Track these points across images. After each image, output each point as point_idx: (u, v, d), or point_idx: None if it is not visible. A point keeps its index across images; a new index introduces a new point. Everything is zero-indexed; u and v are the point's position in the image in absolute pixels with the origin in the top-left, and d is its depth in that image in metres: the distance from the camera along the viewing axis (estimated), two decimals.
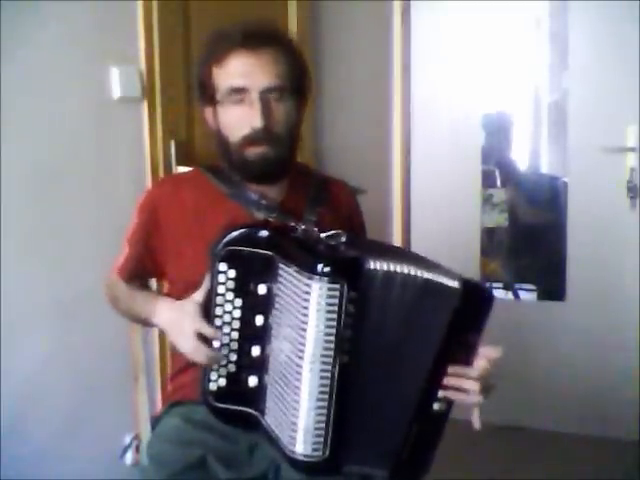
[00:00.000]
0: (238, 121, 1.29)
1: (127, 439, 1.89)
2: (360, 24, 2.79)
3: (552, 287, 2.93)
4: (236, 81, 1.27)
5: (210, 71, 1.31)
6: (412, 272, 1.08)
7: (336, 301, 1.05)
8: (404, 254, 1.21)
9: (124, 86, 1.88)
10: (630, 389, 2.64)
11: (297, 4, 2.41)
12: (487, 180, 2.98)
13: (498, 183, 3.01)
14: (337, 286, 1.05)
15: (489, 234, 3.00)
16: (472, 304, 1.09)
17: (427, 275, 1.09)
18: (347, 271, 1.07)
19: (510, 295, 3.04)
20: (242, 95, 1.27)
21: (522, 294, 3.06)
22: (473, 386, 1.12)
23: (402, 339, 1.10)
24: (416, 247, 2.95)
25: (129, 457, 1.87)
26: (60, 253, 1.78)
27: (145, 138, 1.95)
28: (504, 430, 2.67)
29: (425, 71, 2.98)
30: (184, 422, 1.30)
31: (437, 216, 3.00)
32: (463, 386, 1.12)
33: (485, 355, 1.13)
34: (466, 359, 1.12)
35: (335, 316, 1.06)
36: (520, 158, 3.09)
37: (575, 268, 2.80)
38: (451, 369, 1.11)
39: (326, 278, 1.05)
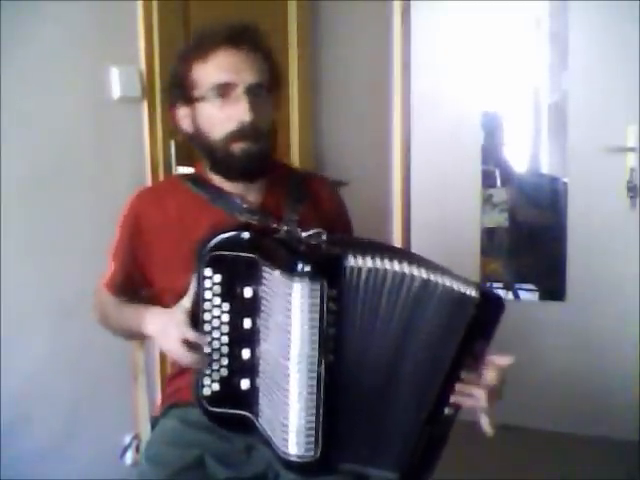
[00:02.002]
0: (223, 117, 1.28)
1: (127, 439, 1.89)
2: (360, 24, 2.79)
3: (552, 287, 2.93)
4: (223, 76, 1.27)
5: (190, 69, 1.30)
6: (407, 271, 1.07)
7: (317, 300, 1.05)
8: (401, 253, 1.21)
9: (124, 86, 1.88)
10: (630, 389, 2.64)
11: (297, 4, 2.40)
12: (487, 180, 2.98)
13: (498, 183, 3.01)
14: (317, 285, 1.04)
15: (489, 234, 3.00)
16: (486, 313, 1.09)
17: (434, 278, 1.08)
18: (327, 269, 1.06)
19: (510, 295, 3.04)
20: (228, 90, 1.27)
21: (522, 294, 3.06)
22: (482, 393, 1.11)
23: (404, 341, 1.09)
24: (416, 247, 2.96)
25: (129, 457, 1.88)
26: (60, 253, 1.78)
27: (145, 138, 1.95)
28: (504, 430, 2.66)
29: (425, 71, 2.98)
30: (181, 423, 1.30)
31: (437, 216, 3.00)
32: (473, 392, 1.12)
33: (495, 362, 1.12)
34: (475, 365, 1.12)
35: (317, 315, 1.05)
36: (520, 158, 3.10)
37: (575, 268, 2.80)
38: (463, 375, 1.11)
39: (306, 278, 1.04)
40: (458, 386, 1.11)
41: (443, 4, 2.90)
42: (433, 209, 3.01)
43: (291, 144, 2.46)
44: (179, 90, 1.33)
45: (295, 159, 2.45)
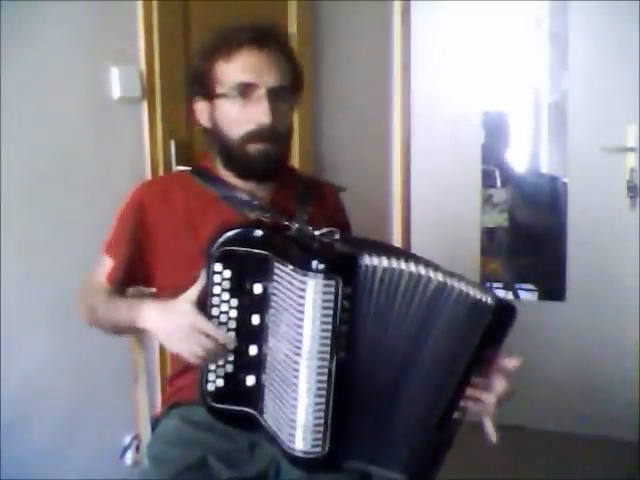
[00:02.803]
0: (242, 117, 1.29)
1: (127, 439, 1.89)
2: (360, 24, 2.79)
3: (552, 287, 2.93)
4: (246, 76, 1.28)
5: (213, 65, 1.31)
6: (423, 273, 1.08)
7: (331, 297, 1.05)
8: (416, 256, 1.21)
9: (124, 86, 1.87)
10: (630, 389, 2.65)
11: (297, 4, 2.40)
12: (487, 180, 2.98)
13: (498, 183, 3.01)
14: (332, 282, 1.05)
15: (489, 234, 3.00)
16: (500, 320, 1.09)
17: (450, 282, 1.08)
18: (342, 267, 1.07)
19: (510, 295, 3.04)
20: (249, 91, 1.28)
21: (522, 294, 3.06)
22: (491, 399, 1.13)
23: (417, 343, 1.09)
24: (416, 247, 2.96)
25: (129, 457, 1.87)
26: (60, 253, 1.78)
27: (145, 138, 1.95)
28: (504, 430, 2.66)
29: (425, 71, 2.98)
30: (183, 423, 1.30)
31: (437, 216, 3.00)
32: (482, 398, 1.13)
33: (504, 367, 1.13)
34: (486, 370, 1.13)
35: (331, 312, 1.05)
36: (520, 158, 3.10)
37: (575, 268, 2.80)
38: (474, 380, 1.12)
39: (321, 274, 1.05)
40: (469, 391, 1.11)
41: (443, 4, 2.90)
42: (433, 209, 3.01)
43: (291, 145, 2.46)
44: (199, 85, 1.33)
45: (295, 160, 2.45)
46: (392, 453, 1.14)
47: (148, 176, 1.94)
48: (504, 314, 1.10)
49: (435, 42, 2.96)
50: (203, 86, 1.33)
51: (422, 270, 1.08)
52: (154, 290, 1.40)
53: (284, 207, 1.34)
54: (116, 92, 1.87)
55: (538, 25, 2.92)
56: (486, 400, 1.13)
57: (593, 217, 2.74)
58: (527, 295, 3.05)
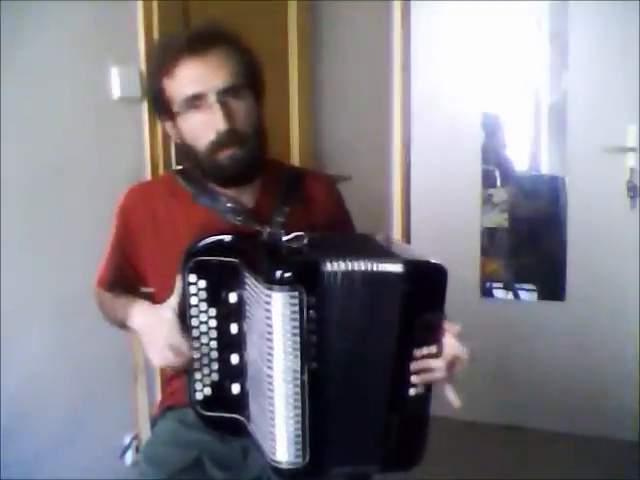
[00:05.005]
0: (201, 128, 1.26)
1: (127, 439, 1.89)
2: (360, 24, 2.80)
3: (552, 287, 2.93)
4: (190, 88, 1.25)
5: (161, 85, 1.29)
6: (369, 267, 1.08)
7: (297, 309, 1.05)
8: (364, 246, 1.22)
9: (124, 86, 1.88)
10: (629, 389, 2.65)
11: (297, 4, 2.41)
12: (487, 180, 2.98)
13: (498, 183, 3.01)
14: (296, 294, 1.04)
15: (489, 234, 3.00)
16: (422, 283, 1.09)
17: (377, 267, 1.08)
18: (304, 277, 1.06)
19: (510, 295, 3.04)
20: (199, 101, 1.25)
21: (522, 294, 3.05)
22: (440, 363, 1.12)
23: (364, 335, 1.10)
24: (416, 247, 2.95)
25: (129, 457, 1.87)
26: (60, 253, 1.78)
27: (145, 138, 1.95)
28: (504, 430, 2.67)
29: (425, 71, 2.99)
30: (179, 424, 1.31)
31: (437, 216, 3.00)
32: (430, 366, 1.12)
33: (449, 330, 1.13)
34: (434, 338, 1.12)
35: (298, 324, 1.05)
36: (520, 158, 3.09)
37: (575, 268, 2.81)
38: (418, 352, 1.12)
39: (286, 287, 1.04)
40: (415, 364, 1.11)
41: (443, 4, 2.91)
42: (433, 209, 3.01)
43: (291, 145, 2.47)
44: (159, 107, 1.32)
45: (295, 159, 2.45)
46: (361, 449, 1.15)
47: (148, 176, 1.94)
48: (424, 277, 1.10)
49: (435, 42, 2.96)
50: (161, 108, 1.32)
51: (375, 266, 1.08)
52: (151, 290, 1.40)
53: (269, 210, 1.32)
54: (116, 92, 1.87)
55: (538, 25, 2.91)
56: (436, 366, 1.12)
57: (593, 217, 2.75)
58: (527, 295, 3.05)
